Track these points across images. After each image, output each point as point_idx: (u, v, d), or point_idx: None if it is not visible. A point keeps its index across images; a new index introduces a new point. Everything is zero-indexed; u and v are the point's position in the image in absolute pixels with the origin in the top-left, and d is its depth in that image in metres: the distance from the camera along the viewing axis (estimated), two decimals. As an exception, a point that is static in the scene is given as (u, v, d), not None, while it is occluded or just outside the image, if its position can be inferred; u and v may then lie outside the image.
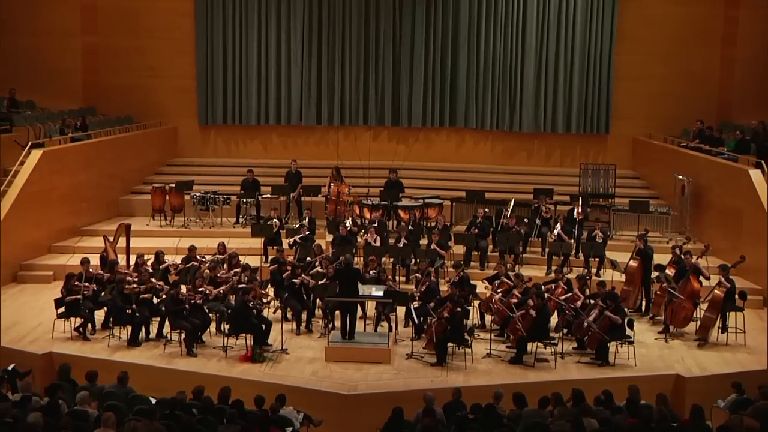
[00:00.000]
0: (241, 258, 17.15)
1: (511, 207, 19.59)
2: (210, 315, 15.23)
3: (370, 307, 16.07)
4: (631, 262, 16.81)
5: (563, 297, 15.35)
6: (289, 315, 16.03)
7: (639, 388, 11.67)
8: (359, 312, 15.65)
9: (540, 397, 11.42)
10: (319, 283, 15.88)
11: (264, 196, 21.20)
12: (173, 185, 21.24)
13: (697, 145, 21.37)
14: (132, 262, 17.32)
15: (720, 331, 15.45)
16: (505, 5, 24.03)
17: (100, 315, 15.53)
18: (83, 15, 24.18)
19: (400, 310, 15.65)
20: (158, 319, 15.20)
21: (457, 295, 14.84)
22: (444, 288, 16.34)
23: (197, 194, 21.03)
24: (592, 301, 14.79)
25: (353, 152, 23.83)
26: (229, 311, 15.00)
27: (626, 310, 15.29)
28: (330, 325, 15.47)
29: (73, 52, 24.11)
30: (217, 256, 16.94)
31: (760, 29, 22.67)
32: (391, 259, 18.13)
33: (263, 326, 14.75)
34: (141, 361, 14.14)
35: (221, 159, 24.75)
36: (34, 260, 18.89)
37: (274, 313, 16.15)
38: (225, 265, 16.66)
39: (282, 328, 15.02)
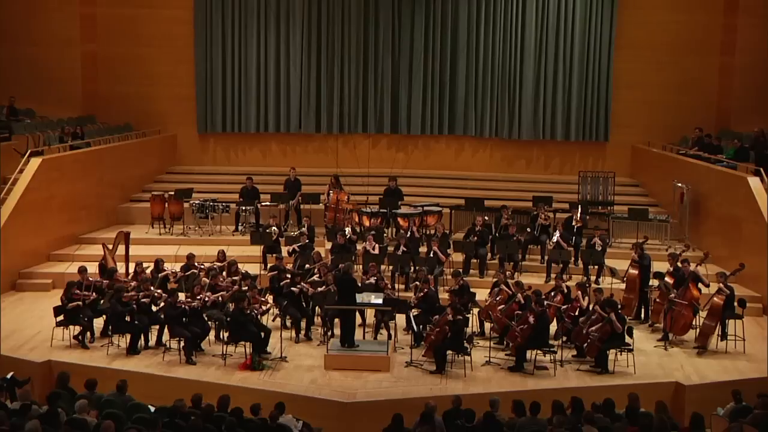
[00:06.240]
0: (240, 266, 17.14)
1: (510, 211, 19.65)
2: (209, 323, 15.23)
3: (370, 315, 16.06)
4: (631, 270, 16.80)
5: (563, 307, 15.33)
6: (288, 323, 16.02)
7: (639, 396, 11.65)
8: (358, 320, 15.64)
9: (545, 404, 11.42)
10: (318, 290, 15.89)
11: (263, 204, 21.20)
12: (172, 193, 21.22)
13: (696, 152, 21.41)
14: (131, 270, 17.30)
15: (719, 338, 15.45)
16: (503, 13, 24.09)
17: (99, 323, 15.54)
18: (82, 23, 24.21)
19: (400, 318, 15.65)
20: (157, 327, 15.19)
21: (456, 303, 14.83)
22: (444, 296, 16.35)
23: (196, 202, 21.04)
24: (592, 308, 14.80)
25: (352, 160, 23.88)
26: (228, 319, 14.99)
27: (625, 317, 15.26)
28: (329, 333, 15.47)
29: (72, 60, 24.13)
30: (215, 264, 16.93)
31: (759, 37, 22.71)
32: (390, 267, 18.13)
33: (262, 334, 14.73)
34: (140, 370, 14.12)
35: (220, 167, 24.77)
36: (33, 268, 18.87)
37: (273, 321, 16.14)
38: (224, 273, 16.65)
39: (281, 336, 15.01)
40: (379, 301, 15.04)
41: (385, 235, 19.24)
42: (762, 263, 16.95)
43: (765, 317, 17.01)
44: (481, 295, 16.36)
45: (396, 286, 17.35)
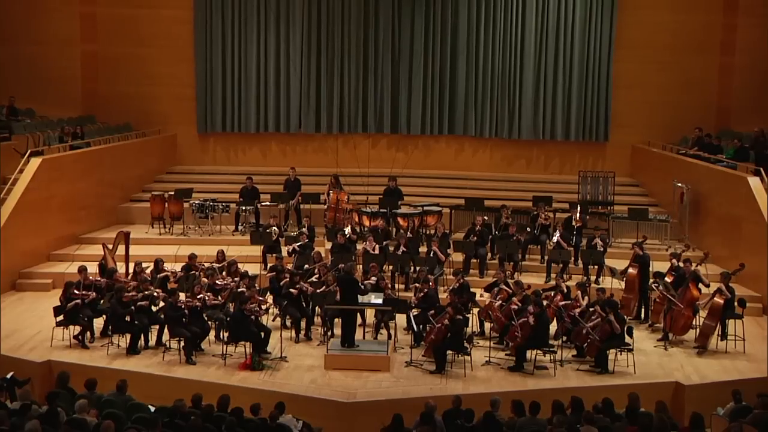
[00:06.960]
0: (240, 266, 17.15)
1: (509, 211, 19.67)
2: (209, 323, 15.22)
3: (370, 315, 16.06)
4: (630, 270, 16.80)
5: (562, 304, 15.34)
6: (288, 323, 16.02)
7: (639, 396, 11.65)
8: (359, 320, 15.64)
9: (545, 404, 11.42)
10: (318, 290, 15.89)
11: (263, 203, 21.20)
12: (172, 193, 21.23)
13: (695, 152, 21.41)
14: (131, 269, 17.29)
15: (719, 338, 15.45)
16: (504, 13, 24.09)
17: (99, 323, 15.54)
18: (82, 23, 24.23)
19: (400, 318, 15.65)
20: (157, 327, 15.19)
21: (456, 303, 14.82)
22: (443, 296, 16.35)
23: (196, 202, 21.04)
24: (592, 309, 14.79)
25: (352, 160, 23.85)
26: (228, 319, 14.99)
27: (625, 317, 15.27)
28: (329, 333, 15.47)
29: (72, 60, 24.17)
30: (214, 264, 16.93)
31: (759, 37, 22.71)
32: (390, 267, 18.13)
33: (262, 334, 14.73)
34: (140, 369, 14.12)
35: (220, 167, 24.76)
36: (33, 268, 18.86)
37: (273, 320, 16.15)
38: (224, 273, 16.65)
39: (281, 335, 15.01)
40: (379, 301, 15.04)
41: (386, 242, 19.18)
42: (762, 263, 16.95)
43: (765, 317, 17.01)
44: (480, 296, 16.36)
45: (396, 286, 17.35)
